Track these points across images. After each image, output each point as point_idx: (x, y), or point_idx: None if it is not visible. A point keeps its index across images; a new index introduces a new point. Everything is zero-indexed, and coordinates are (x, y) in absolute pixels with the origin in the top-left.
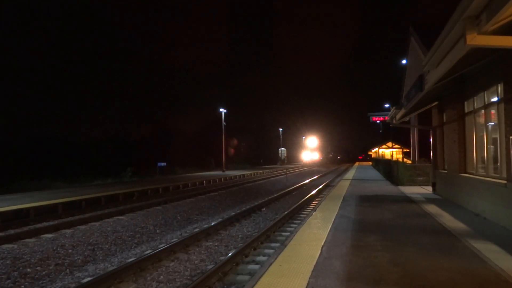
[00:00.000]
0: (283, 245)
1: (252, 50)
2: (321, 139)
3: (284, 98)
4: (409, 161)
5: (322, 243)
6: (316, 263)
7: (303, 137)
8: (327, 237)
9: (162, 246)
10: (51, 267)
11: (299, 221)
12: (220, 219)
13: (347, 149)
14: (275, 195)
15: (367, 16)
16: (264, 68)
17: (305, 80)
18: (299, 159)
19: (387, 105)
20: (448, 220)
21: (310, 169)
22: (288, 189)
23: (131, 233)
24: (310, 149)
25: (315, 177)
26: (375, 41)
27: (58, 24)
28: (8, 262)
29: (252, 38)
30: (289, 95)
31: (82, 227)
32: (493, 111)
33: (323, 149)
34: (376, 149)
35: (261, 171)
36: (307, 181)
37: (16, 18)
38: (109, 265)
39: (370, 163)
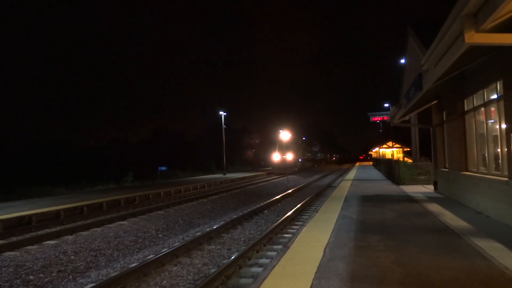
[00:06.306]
0: (286, 247)
1: (254, 52)
2: (304, 135)
3: (285, 99)
4: (410, 160)
5: (325, 244)
6: (319, 264)
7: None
8: (329, 238)
9: (165, 250)
10: (53, 274)
11: (301, 223)
12: (222, 222)
13: (348, 149)
14: (276, 197)
15: (366, 15)
16: (264, 69)
17: (306, 81)
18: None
19: (386, 105)
20: (450, 218)
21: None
22: (290, 191)
23: (133, 238)
24: (284, 147)
25: (317, 177)
26: (375, 40)
27: (56, 29)
28: (10, 269)
29: (253, 41)
30: (291, 96)
31: (84, 233)
32: (493, 109)
33: (307, 148)
34: (377, 149)
35: (262, 173)
36: (309, 181)
37: (19, 22)
38: (112, 271)
39: (371, 163)
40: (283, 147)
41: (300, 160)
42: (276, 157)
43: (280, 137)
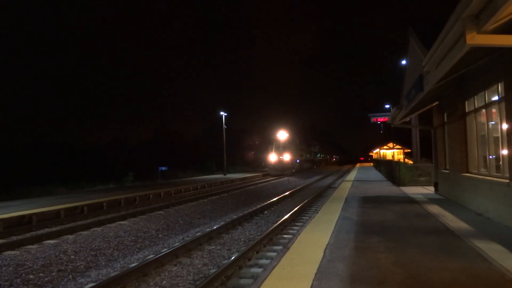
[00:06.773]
0: (286, 247)
1: (254, 52)
2: (304, 135)
3: (285, 99)
4: (410, 162)
5: (325, 245)
6: (319, 265)
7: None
8: (329, 239)
9: (165, 250)
10: (53, 273)
11: (301, 223)
12: (222, 223)
13: (348, 150)
14: (276, 198)
15: (367, 16)
16: (264, 70)
17: (307, 81)
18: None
19: (387, 106)
20: (451, 220)
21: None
22: (290, 192)
23: (133, 238)
24: (281, 147)
25: (317, 178)
26: (376, 41)
27: (56, 29)
28: (10, 269)
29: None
30: (291, 96)
31: (84, 232)
32: (494, 110)
33: (306, 148)
34: (378, 150)
35: (262, 174)
36: (309, 182)
37: (19, 22)
38: (112, 271)
39: (372, 164)
40: (280, 147)
41: (298, 161)
42: (272, 157)
43: (276, 137)
